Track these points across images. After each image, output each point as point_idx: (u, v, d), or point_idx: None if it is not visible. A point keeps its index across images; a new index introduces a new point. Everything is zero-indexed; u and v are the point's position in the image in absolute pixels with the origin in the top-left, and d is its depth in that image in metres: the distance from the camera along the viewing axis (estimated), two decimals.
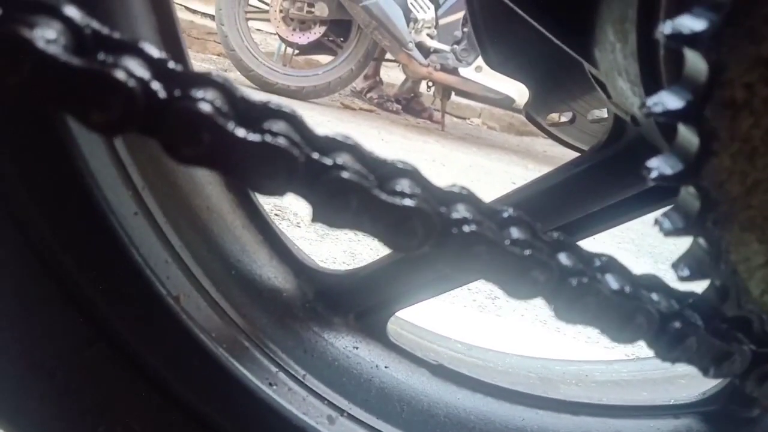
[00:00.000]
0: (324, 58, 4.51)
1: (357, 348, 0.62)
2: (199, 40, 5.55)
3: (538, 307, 1.65)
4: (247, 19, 4.25)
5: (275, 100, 0.30)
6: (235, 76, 4.20)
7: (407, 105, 4.90)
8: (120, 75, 0.24)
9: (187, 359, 0.49)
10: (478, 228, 0.29)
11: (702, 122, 0.28)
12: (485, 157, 4.16)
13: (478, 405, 0.68)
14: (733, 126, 0.28)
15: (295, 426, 0.53)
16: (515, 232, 0.32)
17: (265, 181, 0.26)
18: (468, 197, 0.31)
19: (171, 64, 0.28)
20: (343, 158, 0.28)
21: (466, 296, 1.64)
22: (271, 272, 0.58)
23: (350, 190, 0.27)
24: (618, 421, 0.70)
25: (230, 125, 0.26)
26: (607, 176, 0.54)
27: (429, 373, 0.67)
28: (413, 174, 0.31)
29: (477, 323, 1.51)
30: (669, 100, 0.28)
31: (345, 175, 0.27)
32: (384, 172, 0.30)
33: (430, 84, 4.49)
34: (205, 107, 0.25)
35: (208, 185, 0.53)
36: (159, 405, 0.49)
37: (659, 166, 0.30)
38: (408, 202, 0.28)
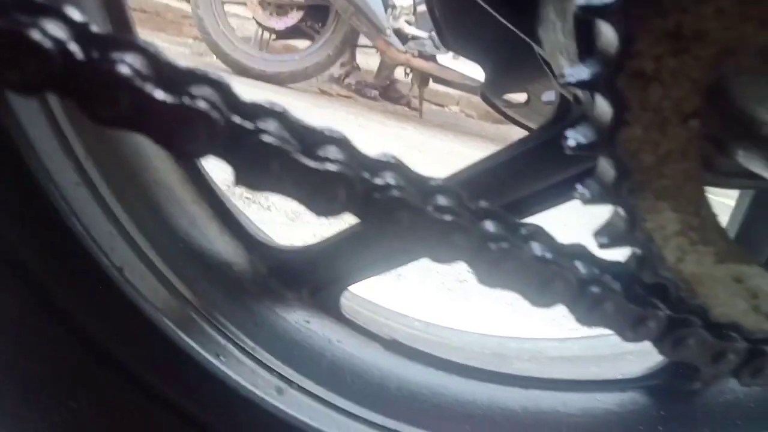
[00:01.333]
0: (301, 44, 4.47)
1: (309, 322, 0.63)
2: (175, 24, 5.45)
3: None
4: (224, 3, 4.18)
5: (204, 67, 0.30)
6: (210, 61, 4.15)
7: (385, 92, 4.89)
8: (35, 35, 0.24)
9: (133, 330, 0.49)
10: (401, 194, 0.30)
11: (614, 93, 0.29)
12: (463, 144, 4.18)
13: (430, 379, 0.69)
14: (643, 97, 0.29)
15: (242, 397, 0.54)
16: (440, 200, 0.33)
17: (185, 144, 0.27)
18: (396, 166, 0.32)
19: (94, 28, 0.28)
20: (267, 124, 0.29)
21: (435, 279, 1.66)
22: (222, 247, 0.58)
23: (271, 154, 0.28)
24: (566, 395, 0.72)
25: (148, 87, 0.26)
26: (553, 154, 0.55)
27: (382, 347, 0.68)
28: (341, 141, 0.31)
29: (444, 306, 1.53)
30: (582, 72, 0.29)
31: (265, 139, 0.28)
32: (312, 139, 0.31)
33: (408, 71, 4.48)
34: (123, 69, 0.25)
35: (155, 159, 0.53)
36: (104, 373, 0.50)
37: (576, 135, 0.31)
38: (329, 166, 0.29)
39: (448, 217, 0.31)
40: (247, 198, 1.81)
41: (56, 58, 0.24)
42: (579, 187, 0.33)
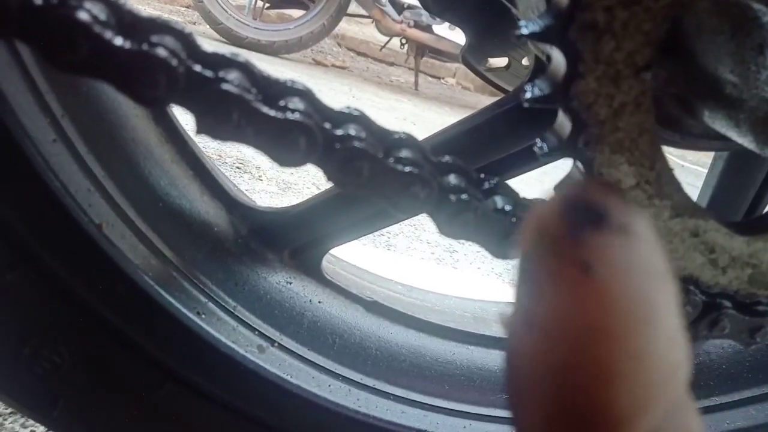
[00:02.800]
0: (296, 13, 4.41)
1: (290, 283, 0.64)
2: None
3: (494, 261, 1.69)
4: None
5: (166, 17, 0.30)
6: (204, 29, 4.10)
7: None
8: None
9: (112, 286, 0.50)
10: (361, 144, 0.31)
11: (566, 45, 0.29)
12: (458, 116, 4.14)
13: (410, 340, 0.71)
14: (596, 49, 0.29)
15: (223, 354, 0.55)
16: (402, 152, 0.33)
17: (145, 91, 0.28)
18: (359, 118, 0.33)
19: None
20: (229, 74, 0.30)
21: (425, 249, 1.67)
22: (202, 207, 0.59)
23: (231, 102, 0.29)
24: None
25: (108, 34, 0.26)
26: (527, 117, 0.56)
27: (363, 309, 0.69)
28: (304, 93, 0.32)
29: (434, 275, 1.55)
30: (535, 24, 0.29)
31: (226, 87, 0.29)
32: (275, 89, 0.31)
33: (404, 41, 4.44)
34: (83, 15, 0.26)
35: (134, 117, 0.53)
36: (86, 329, 0.51)
37: (532, 88, 0.31)
38: (290, 116, 0.30)
39: (408, 169, 0.32)
40: (238, 168, 1.81)
41: (14, 2, 0.25)
42: (537, 141, 0.34)
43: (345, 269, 0.74)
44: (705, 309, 0.40)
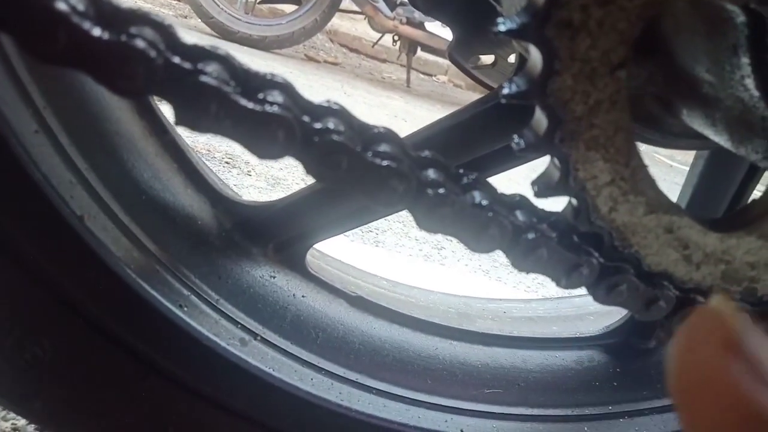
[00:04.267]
0: (288, 8, 4.39)
1: (274, 277, 0.65)
2: None
3: (482, 258, 1.70)
4: None
5: (146, 7, 0.30)
6: (195, 23, 4.07)
7: None
8: None
9: (94, 279, 0.50)
10: (340, 138, 0.31)
11: (543, 42, 0.30)
12: None
13: (394, 334, 0.71)
14: (572, 46, 0.30)
15: (205, 346, 0.55)
16: (382, 146, 0.34)
17: (124, 82, 0.28)
18: (339, 112, 0.33)
19: None
20: (208, 66, 0.30)
21: (413, 246, 1.68)
22: (186, 200, 0.59)
23: (209, 94, 0.29)
24: (526, 352, 0.75)
25: (87, 24, 0.26)
26: (510, 113, 0.56)
27: (347, 303, 0.70)
28: (284, 86, 0.32)
29: (421, 272, 1.56)
30: (512, 21, 0.30)
31: (204, 79, 0.29)
32: (254, 82, 0.32)
33: (396, 38, 4.43)
34: (61, 6, 0.26)
35: (117, 110, 0.53)
36: (68, 321, 0.51)
37: (510, 85, 0.32)
38: (269, 108, 0.30)
39: (386, 163, 0.32)
40: (227, 163, 1.80)
41: None
42: (515, 137, 0.35)
43: (330, 264, 0.75)
44: (678, 304, 0.41)
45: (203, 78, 0.29)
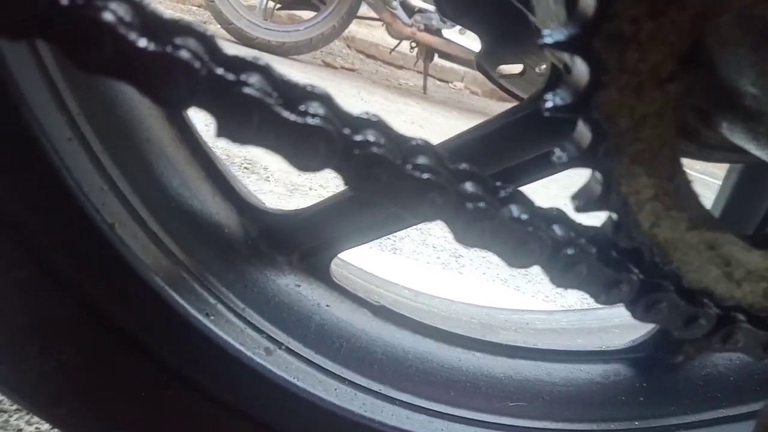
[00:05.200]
0: (306, 14, 4.42)
1: (299, 286, 0.64)
2: None
3: (500, 266, 1.69)
4: None
5: (187, 19, 0.30)
6: (214, 29, 4.11)
7: None
8: None
9: (122, 286, 0.50)
10: (380, 150, 0.31)
11: (591, 55, 0.29)
12: (465, 121, 4.16)
13: (417, 345, 0.71)
14: (620, 59, 0.29)
15: (231, 356, 0.55)
16: (420, 159, 0.33)
17: (167, 92, 0.27)
18: (377, 124, 0.33)
19: None
20: (250, 77, 0.29)
21: (431, 254, 1.67)
22: (214, 208, 0.59)
23: (251, 106, 0.28)
24: (551, 365, 0.74)
25: (132, 35, 0.26)
26: (542, 124, 0.55)
27: (370, 313, 0.69)
28: (324, 98, 0.32)
29: (439, 280, 1.55)
30: (560, 33, 0.29)
31: (247, 91, 0.28)
32: (294, 93, 0.31)
33: (414, 45, 4.44)
34: (108, 16, 0.26)
35: (149, 117, 0.53)
36: (94, 329, 0.51)
37: (554, 98, 0.31)
38: (310, 120, 0.29)
39: (425, 175, 0.32)
40: (246, 168, 1.81)
41: (41, 2, 0.25)
42: (557, 150, 0.34)
43: (353, 273, 0.74)
44: (719, 322, 0.40)
45: (245, 89, 0.29)
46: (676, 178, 0.34)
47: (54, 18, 0.25)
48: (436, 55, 4.47)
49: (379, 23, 4.51)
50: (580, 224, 0.38)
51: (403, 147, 0.33)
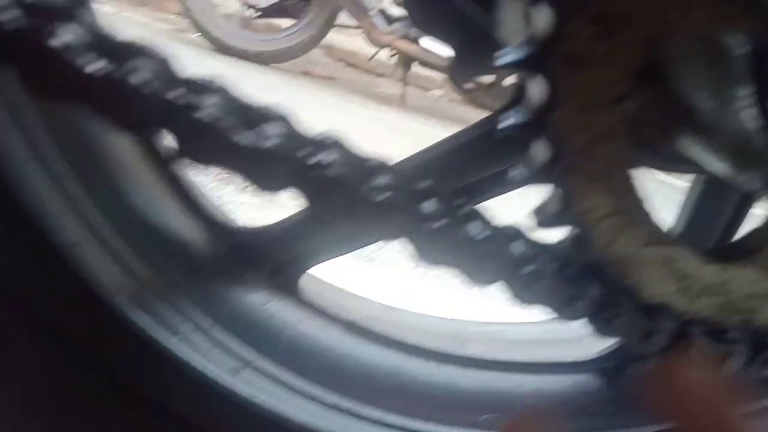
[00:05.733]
0: (285, 22, 4.41)
1: (268, 303, 0.64)
2: None
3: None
4: None
5: (146, 39, 0.30)
6: (192, 38, 4.08)
7: None
8: None
9: (84, 308, 0.49)
10: (336, 172, 0.31)
11: (545, 74, 0.29)
12: (445, 129, 4.18)
13: (388, 360, 0.70)
14: (574, 79, 0.30)
15: (197, 376, 0.54)
16: (378, 179, 0.33)
17: (121, 117, 0.27)
18: (336, 144, 0.33)
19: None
20: (206, 99, 0.29)
21: (407, 263, 1.67)
22: (181, 225, 0.59)
23: (208, 130, 0.28)
24: (521, 376, 0.74)
25: (82, 60, 0.26)
26: (500, 141, 0.56)
27: (340, 329, 0.69)
28: (281, 118, 0.32)
29: (414, 289, 1.55)
30: (514, 53, 0.30)
31: (200, 115, 0.28)
32: (252, 115, 0.31)
33: (393, 52, 4.46)
34: (58, 41, 0.25)
35: (111, 135, 0.52)
36: (56, 354, 0.50)
37: (509, 117, 0.32)
38: (267, 143, 0.29)
39: (383, 196, 0.32)
40: (221, 179, 1.79)
41: None
42: (513, 169, 0.34)
43: (322, 288, 0.74)
44: (675, 335, 0.40)
45: (199, 114, 0.28)
46: (631, 195, 0.34)
47: (7, 44, 0.25)
48: (414, 63, 4.49)
49: (358, 31, 4.52)
50: (538, 241, 0.38)
51: (361, 168, 0.33)
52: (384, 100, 4.60)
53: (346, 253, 0.66)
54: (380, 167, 0.34)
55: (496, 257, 0.34)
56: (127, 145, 0.54)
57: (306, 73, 4.52)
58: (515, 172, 0.34)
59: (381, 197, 0.32)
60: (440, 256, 0.33)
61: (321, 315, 0.67)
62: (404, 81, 4.64)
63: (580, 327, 0.86)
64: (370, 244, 0.67)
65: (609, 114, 0.31)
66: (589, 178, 0.32)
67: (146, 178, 0.56)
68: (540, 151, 0.32)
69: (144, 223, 0.55)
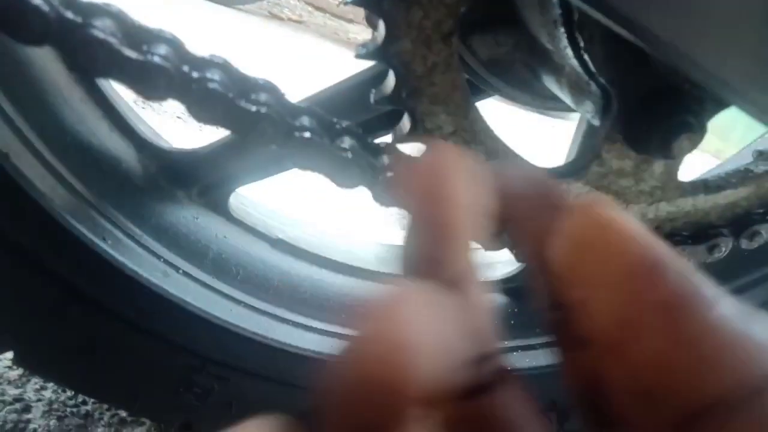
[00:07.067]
0: None
1: (197, 218, 0.70)
2: None
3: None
4: None
5: None
6: None
7: None
8: None
9: (19, 212, 0.55)
10: (214, 84, 0.37)
11: (383, 12, 0.36)
12: None
13: (313, 275, 0.78)
14: (407, 17, 0.36)
15: (128, 277, 0.61)
16: (261, 96, 0.40)
17: (20, 32, 0.33)
18: (222, 65, 0.39)
19: None
20: (99, 20, 0.35)
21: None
22: (112, 145, 0.64)
23: (97, 45, 0.34)
24: None
25: None
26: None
27: (269, 245, 0.76)
28: (170, 40, 0.37)
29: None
30: None
31: (93, 32, 0.34)
32: (144, 36, 0.37)
33: None
34: None
35: (41, 57, 0.57)
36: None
37: (361, 48, 0.38)
38: (150, 58, 0.35)
39: (254, 108, 0.38)
40: (178, 117, 1.82)
41: None
42: (372, 92, 0.41)
43: (252, 207, 0.80)
44: None
45: (93, 31, 0.34)
46: (471, 115, 0.41)
47: None
48: None
49: None
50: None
51: (244, 84, 0.40)
52: (353, 46, 4.54)
53: (270, 176, 0.73)
54: (261, 85, 0.40)
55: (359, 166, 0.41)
56: (58, 68, 0.59)
57: (274, 16, 4.43)
58: (374, 97, 0.40)
59: (255, 108, 0.38)
60: (312, 163, 0.40)
61: (250, 232, 0.74)
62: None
63: (494, 253, 0.95)
64: (291, 168, 0.73)
65: (441, 47, 0.37)
66: (431, 101, 0.39)
67: (77, 99, 0.61)
68: (390, 78, 0.38)
69: (75, 139, 0.61)
